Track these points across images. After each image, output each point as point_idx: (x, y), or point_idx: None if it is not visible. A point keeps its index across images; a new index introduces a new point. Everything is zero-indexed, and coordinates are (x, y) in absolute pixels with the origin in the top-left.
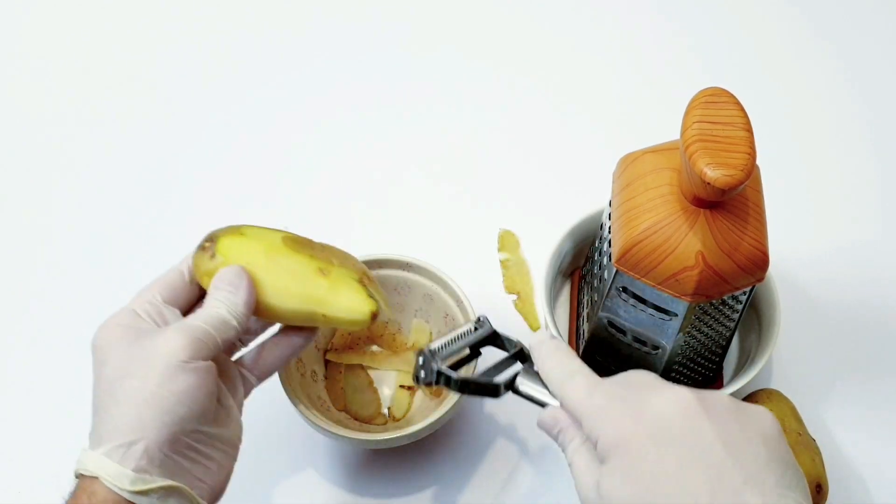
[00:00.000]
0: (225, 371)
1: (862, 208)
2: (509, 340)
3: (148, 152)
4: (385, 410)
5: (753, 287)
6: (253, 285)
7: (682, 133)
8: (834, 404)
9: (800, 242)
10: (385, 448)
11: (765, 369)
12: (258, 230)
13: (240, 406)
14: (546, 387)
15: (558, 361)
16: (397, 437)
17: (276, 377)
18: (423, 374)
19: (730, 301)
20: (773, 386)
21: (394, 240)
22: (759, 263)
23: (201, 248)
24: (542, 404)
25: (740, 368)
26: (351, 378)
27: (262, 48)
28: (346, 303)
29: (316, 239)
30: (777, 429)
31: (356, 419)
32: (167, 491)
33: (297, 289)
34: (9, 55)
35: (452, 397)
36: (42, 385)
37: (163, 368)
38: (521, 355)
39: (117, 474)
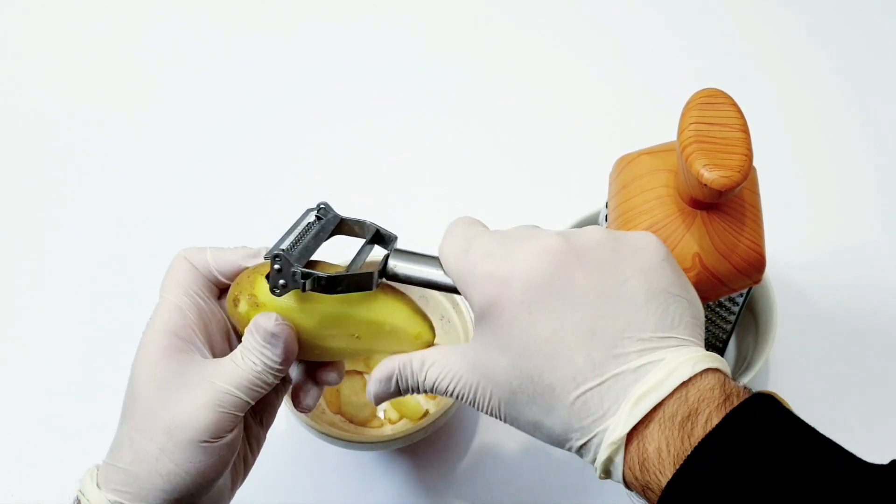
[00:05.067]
0: (246, 430)
1: (859, 210)
2: (360, 223)
3: (147, 151)
4: (381, 413)
5: (750, 289)
6: (293, 333)
7: (679, 134)
8: (831, 407)
9: (797, 244)
10: (381, 451)
11: (762, 372)
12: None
13: (247, 471)
14: (423, 263)
15: (451, 227)
16: (393, 441)
17: None
18: (281, 280)
19: (727, 303)
20: (770, 388)
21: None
22: (755, 265)
23: (234, 299)
24: (423, 284)
25: (737, 371)
26: (347, 381)
27: (258, 51)
28: (401, 322)
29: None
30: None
31: (352, 422)
32: None
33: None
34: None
35: (449, 399)
36: (38, 385)
37: (184, 445)
38: (379, 237)
39: None
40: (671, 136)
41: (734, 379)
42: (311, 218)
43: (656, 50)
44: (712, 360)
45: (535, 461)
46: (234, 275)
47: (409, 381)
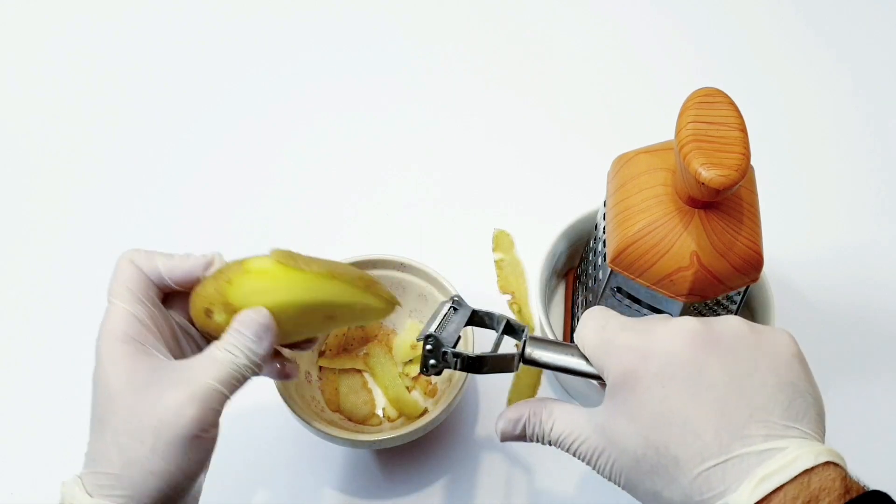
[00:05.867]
0: None
1: (857, 209)
2: (490, 315)
3: (137, 151)
4: (380, 411)
5: (748, 287)
6: (276, 330)
7: (677, 133)
8: (828, 405)
9: (794, 243)
10: (380, 449)
11: None
12: (252, 261)
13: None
14: (557, 350)
15: (591, 314)
16: (392, 438)
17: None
18: (432, 360)
19: (724, 301)
20: None
21: (388, 240)
22: (753, 264)
23: (206, 311)
24: (558, 369)
25: None
26: (345, 379)
27: (253, 47)
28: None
29: (313, 240)
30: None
31: (350, 420)
32: None
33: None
34: None
35: (448, 397)
36: (35, 385)
37: (174, 443)
38: (510, 328)
39: None
40: (669, 134)
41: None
42: (450, 306)
43: (655, 49)
44: (835, 455)
45: (535, 460)
46: (188, 283)
47: (536, 430)
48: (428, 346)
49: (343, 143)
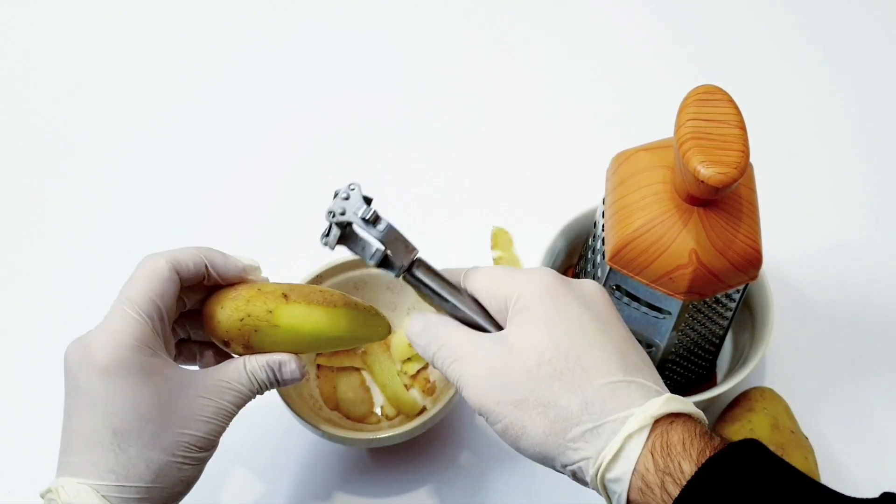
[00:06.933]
0: None
1: (856, 207)
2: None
3: (135, 151)
4: (378, 409)
5: (747, 285)
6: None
7: (676, 131)
8: (827, 403)
9: (794, 241)
10: (378, 447)
11: (758, 368)
12: (281, 314)
13: None
14: (444, 285)
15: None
16: (390, 437)
17: None
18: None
19: (723, 299)
20: (767, 384)
21: None
22: (752, 262)
23: (244, 320)
24: (438, 296)
25: (734, 367)
26: (343, 377)
27: (252, 46)
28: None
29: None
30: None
31: (348, 418)
32: None
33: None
34: None
35: (446, 395)
36: (33, 383)
37: (197, 452)
38: (387, 262)
39: None
40: (668, 132)
41: (729, 374)
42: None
43: (653, 46)
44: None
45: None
46: (228, 281)
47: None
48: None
49: (341, 141)
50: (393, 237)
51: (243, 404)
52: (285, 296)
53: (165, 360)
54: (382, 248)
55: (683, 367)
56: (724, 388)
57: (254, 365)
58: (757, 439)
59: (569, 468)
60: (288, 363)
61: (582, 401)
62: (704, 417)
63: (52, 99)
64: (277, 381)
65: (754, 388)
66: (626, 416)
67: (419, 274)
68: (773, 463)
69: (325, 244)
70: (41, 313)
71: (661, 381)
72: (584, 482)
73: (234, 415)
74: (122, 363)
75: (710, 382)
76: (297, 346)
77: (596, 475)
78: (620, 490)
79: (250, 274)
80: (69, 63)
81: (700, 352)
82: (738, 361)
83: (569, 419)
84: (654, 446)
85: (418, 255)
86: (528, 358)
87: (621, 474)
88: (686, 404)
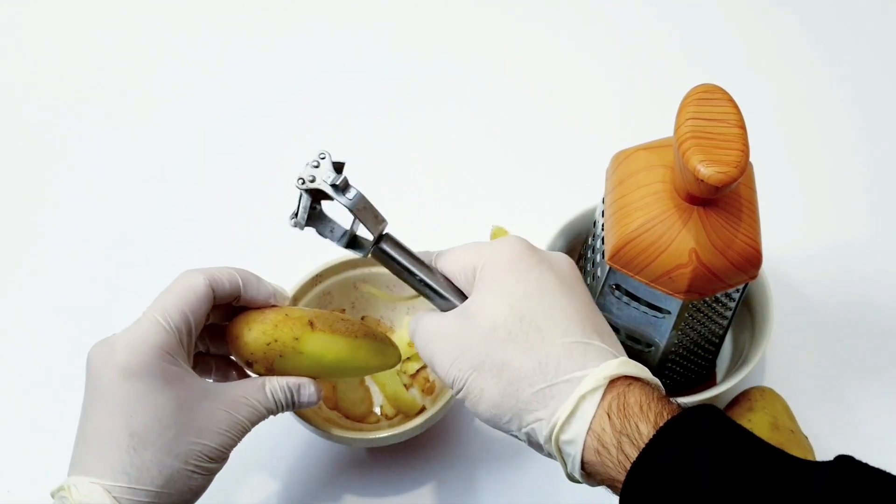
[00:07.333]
0: None
1: (856, 206)
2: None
3: (134, 155)
4: (377, 409)
5: (747, 285)
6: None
7: (676, 130)
8: (826, 402)
9: (793, 240)
10: (377, 447)
11: (758, 367)
12: (306, 341)
13: None
14: (413, 259)
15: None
16: (389, 436)
17: None
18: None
19: (723, 299)
20: (766, 384)
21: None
22: (752, 261)
23: (271, 344)
24: (406, 271)
25: (734, 366)
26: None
27: (251, 44)
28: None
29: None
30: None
31: (348, 418)
32: None
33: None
34: None
35: (446, 395)
36: (32, 382)
37: (209, 462)
38: (355, 243)
39: None
40: (668, 131)
41: (729, 373)
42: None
43: (653, 46)
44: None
45: (533, 458)
46: (264, 303)
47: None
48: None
49: (340, 139)
50: (362, 206)
51: (258, 422)
52: (311, 323)
53: (187, 370)
54: (349, 229)
55: (683, 367)
56: (723, 387)
57: (274, 385)
58: (713, 405)
59: (524, 430)
60: (307, 387)
61: (536, 361)
62: (661, 385)
63: (50, 98)
64: (294, 402)
65: (754, 387)
66: (580, 376)
67: (387, 248)
68: (730, 427)
69: (295, 225)
70: (42, 316)
71: (620, 346)
72: (538, 446)
73: (247, 431)
74: (145, 367)
75: (710, 382)
76: (317, 371)
77: (550, 436)
78: (575, 452)
79: (279, 300)
80: (69, 62)
81: (700, 351)
82: (737, 361)
83: (522, 379)
84: (611, 407)
85: (387, 230)
86: (484, 323)
87: (575, 435)
88: (643, 370)
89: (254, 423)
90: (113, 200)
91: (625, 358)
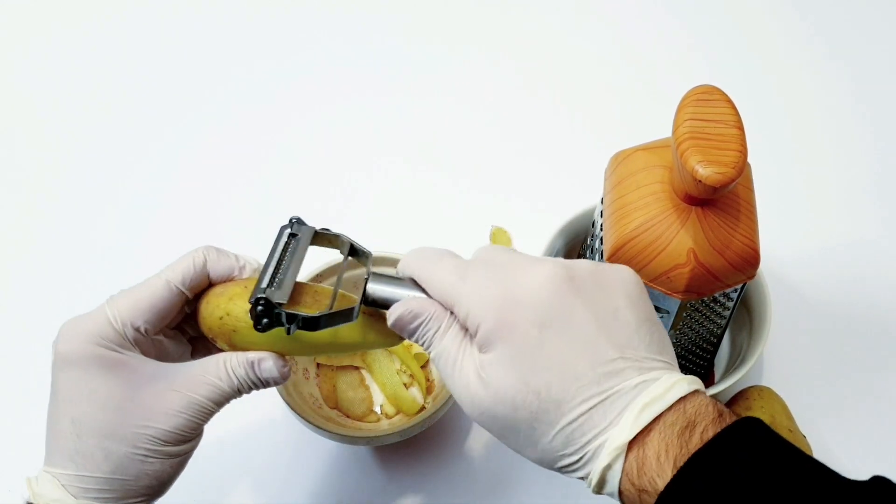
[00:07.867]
0: None
1: (853, 206)
2: (335, 237)
3: (128, 153)
4: (377, 408)
5: (744, 284)
6: (285, 374)
7: (674, 130)
8: (824, 401)
9: (791, 240)
10: (377, 446)
11: (756, 366)
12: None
13: None
14: (401, 286)
15: (425, 255)
16: (389, 435)
17: None
18: (265, 320)
19: (721, 298)
20: (764, 383)
21: (384, 237)
22: (750, 261)
23: (223, 318)
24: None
25: (731, 365)
26: (343, 376)
27: (249, 37)
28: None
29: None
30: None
31: (348, 417)
32: None
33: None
34: None
35: (446, 394)
36: (34, 381)
37: (169, 447)
38: (354, 252)
39: None
40: (666, 132)
41: (727, 373)
42: (286, 237)
43: (652, 46)
44: (699, 383)
45: None
46: (225, 275)
47: (428, 335)
48: (259, 308)
49: (339, 137)
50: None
51: (222, 401)
52: None
53: (132, 355)
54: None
55: (681, 367)
56: (721, 386)
57: (233, 361)
58: (757, 418)
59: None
60: (266, 360)
61: (564, 437)
62: (685, 403)
63: (50, 97)
64: (259, 379)
65: (752, 386)
66: (598, 445)
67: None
68: (771, 438)
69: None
70: (33, 309)
71: (655, 362)
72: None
73: (209, 410)
74: (77, 354)
75: (708, 381)
76: (279, 347)
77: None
78: (612, 489)
79: (246, 273)
80: (69, 62)
81: (698, 351)
82: (735, 360)
83: (554, 453)
84: (631, 469)
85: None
86: (505, 402)
87: (609, 494)
88: (661, 402)
89: (218, 403)
90: (113, 201)
91: (643, 404)
